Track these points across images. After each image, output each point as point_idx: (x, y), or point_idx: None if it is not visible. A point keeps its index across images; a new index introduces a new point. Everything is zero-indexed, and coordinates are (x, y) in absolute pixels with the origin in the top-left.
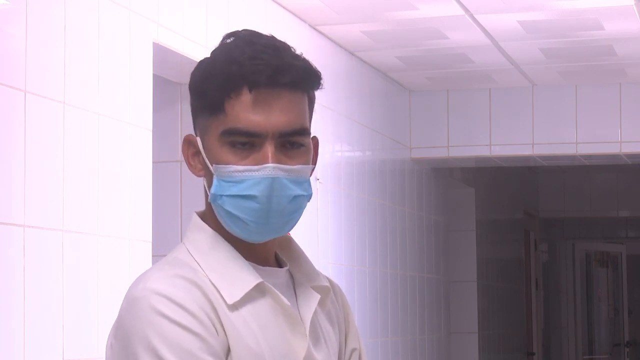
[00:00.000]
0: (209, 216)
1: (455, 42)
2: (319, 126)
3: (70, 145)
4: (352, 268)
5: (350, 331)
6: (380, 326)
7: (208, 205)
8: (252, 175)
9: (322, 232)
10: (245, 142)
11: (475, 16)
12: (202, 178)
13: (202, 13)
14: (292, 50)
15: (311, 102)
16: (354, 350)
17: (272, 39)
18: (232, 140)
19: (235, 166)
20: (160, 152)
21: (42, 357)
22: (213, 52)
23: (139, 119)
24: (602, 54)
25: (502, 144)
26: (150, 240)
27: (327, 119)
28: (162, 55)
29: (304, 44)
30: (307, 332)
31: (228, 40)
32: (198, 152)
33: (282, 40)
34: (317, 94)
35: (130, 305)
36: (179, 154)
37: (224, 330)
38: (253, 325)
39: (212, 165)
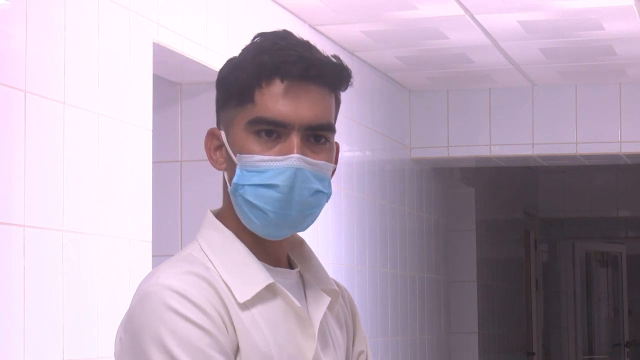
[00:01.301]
0: (225, 213)
1: (455, 42)
2: None
3: (70, 145)
4: (352, 268)
5: (357, 334)
6: (380, 326)
7: (227, 201)
8: (276, 165)
9: (322, 232)
10: (272, 132)
11: (475, 16)
12: (222, 172)
13: (202, 13)
14: (322, 50)
15: (337, 103)
16: (361, 352)
17: (303, 39)
18: (259, 130)
19: (260, 155)
20: (160, 152)
21: (42, 357)
22: (243, 50)
23: (139, 119)
24: (602, 54)
25: (502, 144)
26: (150, 240)
27: None
28: (162, 55)
29: None
30: (316, 334)
31: (257, 40)
32: (221, 146)
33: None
34: None
35: (142, 300)
36: (179, 154)
37: (234, 328)
38: (262, 325)
39: (235, 156)
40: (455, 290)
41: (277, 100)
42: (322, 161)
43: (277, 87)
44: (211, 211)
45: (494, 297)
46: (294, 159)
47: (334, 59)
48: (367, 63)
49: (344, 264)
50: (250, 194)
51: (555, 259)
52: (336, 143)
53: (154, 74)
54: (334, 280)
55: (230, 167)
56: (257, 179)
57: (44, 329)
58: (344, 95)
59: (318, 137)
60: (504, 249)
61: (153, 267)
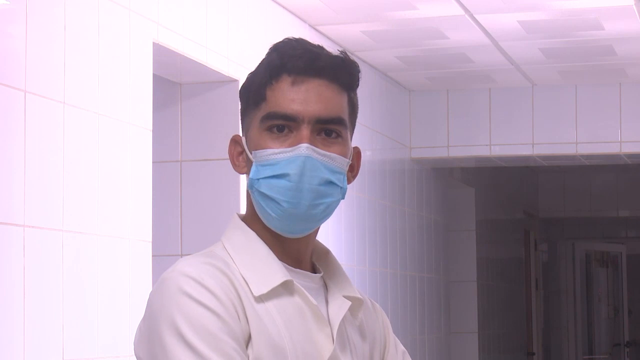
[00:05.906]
0: (249, 216)
1: (455, 42)
2: None
3: (70, 145)
4: (352, 268)
5: (390, 350)
6: None
7: (250, 204)
8: (286, 155)
9: (322, 232)
10: (283, 126)
11: (475, 16)
12: (243, 175)
13: (202, 13)
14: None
15: (352, 104)
16: None
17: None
18: (271, 125)
19: (271, 149)
20: (160, 152)
21: (42, 357)
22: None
23: (139, 119)
24: (602, 54)
25: (502, 144)
26: (150, 240)
27: None
28: (162, 55)
29: None
30: (334, 335)
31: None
32: (243, 151)
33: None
34: None
35: (159, 286)
36: (179, 154)
37: (247, 319)
38: (277, 319)
39: (251, 153)
40: (455, 290)
41: (285, 95)
42: (332, 153)
43: (285, 82)
44: (237, 214)
45: (494, 297)
46: (303, 148)
47: (341, 56)
48: (367, 63)
49: (344, 264)
50: (264, 187)
51: (555, 259)
52: (357, 147)
53: (154, 74)
54: (366, 297)
55: (250, 169)
56: (269, 171)
57: (44, 329)
58: None
59: (329, 131)
60: (504, 249)
61: (153, 267)
